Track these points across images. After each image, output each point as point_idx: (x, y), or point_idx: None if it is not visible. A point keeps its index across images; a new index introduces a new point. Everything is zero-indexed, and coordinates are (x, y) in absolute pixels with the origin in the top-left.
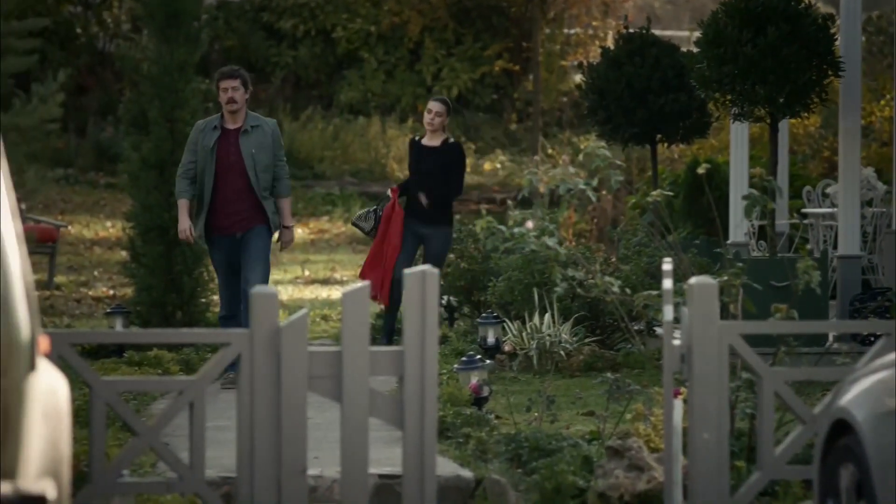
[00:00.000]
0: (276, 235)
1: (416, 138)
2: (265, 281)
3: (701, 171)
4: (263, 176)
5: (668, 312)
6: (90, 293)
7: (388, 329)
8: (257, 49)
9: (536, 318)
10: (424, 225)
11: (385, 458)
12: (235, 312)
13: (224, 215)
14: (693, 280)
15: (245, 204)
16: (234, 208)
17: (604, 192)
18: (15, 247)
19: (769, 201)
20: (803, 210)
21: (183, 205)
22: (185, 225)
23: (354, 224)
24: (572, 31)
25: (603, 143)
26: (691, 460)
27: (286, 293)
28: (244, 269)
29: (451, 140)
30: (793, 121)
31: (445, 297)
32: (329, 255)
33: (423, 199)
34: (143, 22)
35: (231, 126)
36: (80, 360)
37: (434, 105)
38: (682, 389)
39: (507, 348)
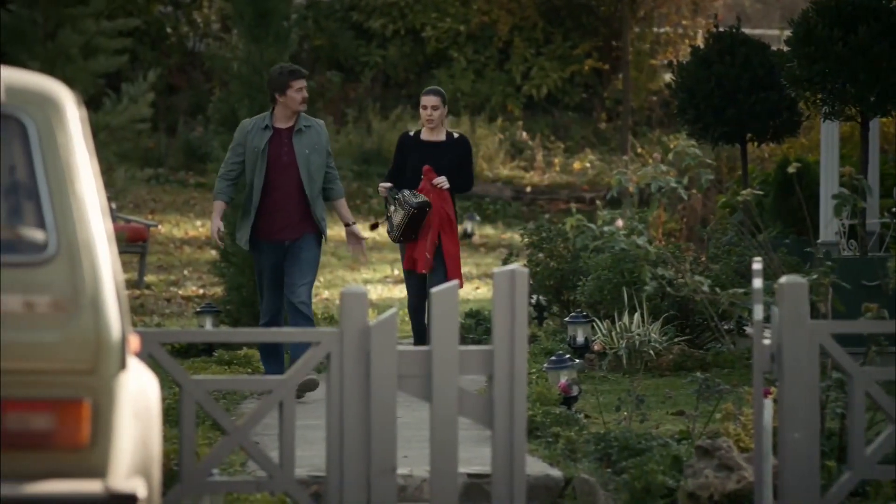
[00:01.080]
0: (354, 232)
1: (411, 133)
2: (310, 293)
3: (791, 170)
4: (317, 178)
5: (758, 312)
6: (180, 292)
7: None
8: (346, 48)
9: (626, 318)
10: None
11: (474, 457)
12: (279, 321)
13: (274, 220)
14: (783, 279)
15: (296, 208)
16: (284, 213)
17: (693, 191)
18: (105, 246)
19: (859, 200)
20: (894, 209)
21: (218, 207)
22: (217, 226)
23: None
24: (662, 30)
25: (693, 142)
26: (781, 460)
27: (375, 292)
28: (291, 279)
29: (457, 134)
30: (884, 119)
31: (534, 296)
32: None
33: (443, 182)
34: (233, 21)
35: (283, 125)
36: (170, 359)
37: (430, 99)
38: (772, 389)
39: (596, 347)
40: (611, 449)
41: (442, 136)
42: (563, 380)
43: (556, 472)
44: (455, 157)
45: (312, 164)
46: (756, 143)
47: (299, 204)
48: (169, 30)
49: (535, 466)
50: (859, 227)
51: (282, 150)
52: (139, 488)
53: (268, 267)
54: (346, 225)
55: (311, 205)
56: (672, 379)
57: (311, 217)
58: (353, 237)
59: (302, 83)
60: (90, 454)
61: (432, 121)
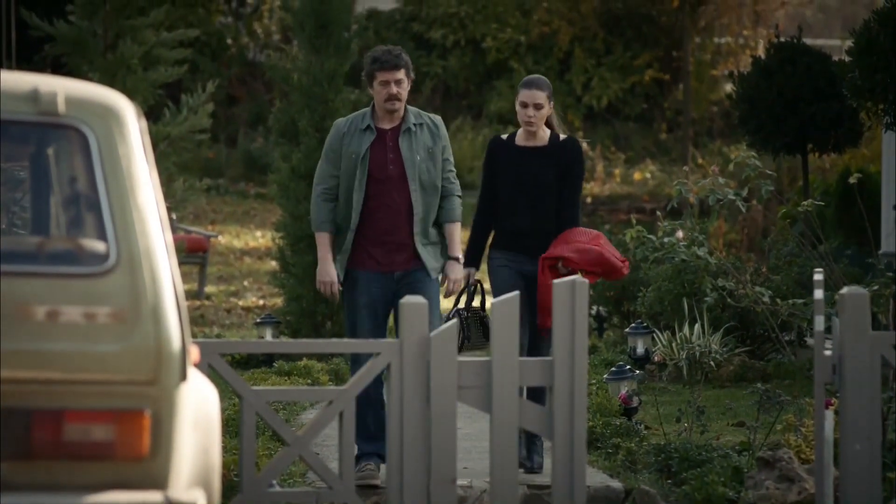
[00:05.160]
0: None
1: (504, 137)
2: None
3: (852, 180)
4: (431, 191)
5: (820, 323)
6: (240, 303)
7: None
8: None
9: (686, 329)
10: (534, 257)
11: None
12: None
13: (378, 245)
14: (844, 290)
15: (407, 230)
16: (392, 237)
17: (754, 202)
18: (166, 257)
19: None
20: None
21: (324, 241)
22: (329, 275)
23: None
24: (723, 41)
25: (753, 153)
26: (843, 471)
27: None
28: None
29: (563, 135)
30: None
31: (595, 308)
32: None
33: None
34: (293, 32)
35: (387, 125)
36: (230, 369)
37: (532, 94)
38: (834, 400)
39: (656, 359)
40: (671, 460)
41: (544, 140)
42: (624, 391)
43: (616, 484)
44: (558, 166)
45: (424, 173)
46: (817, 154)
47: (410, 226)
48: (229, 40)
49: (596, 478)
50: None
51: (386, 157)
52: (199, 499)
53: (369, 304)
54: (451, 258)
55: (425, 226)
56: (732, 390)
57: (428, 243)
58: (455, 271)
59: (389, 75)
60: (150, 465)
61: (532, 122)
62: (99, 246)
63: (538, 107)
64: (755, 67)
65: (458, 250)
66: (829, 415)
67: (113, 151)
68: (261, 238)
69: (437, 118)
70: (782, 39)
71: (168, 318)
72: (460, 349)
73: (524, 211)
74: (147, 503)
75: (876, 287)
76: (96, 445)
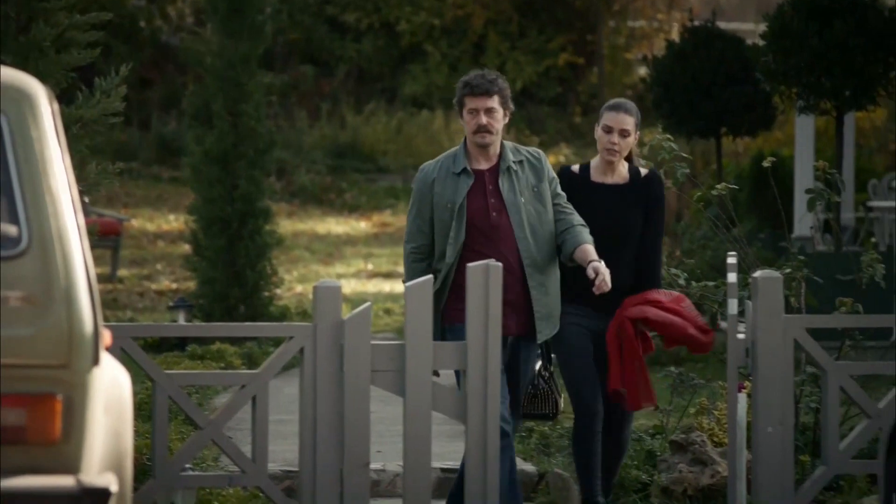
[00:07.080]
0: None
1: (575, 169)
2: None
3: (766, 164)
4: (543, 239)
5: (733, 306)
6: (153, 287)
7: None
8: (321, 42)
9: None
10: (608, 315)
11: (448, 452)
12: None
13: None
14: (758, 273)
15: (516, 288)
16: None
17: (669, 186)
18: (78, 240)
19: (833, 195)
20: (869, 203)
21: None
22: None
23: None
24: (637, 24)
25: (668, 136)
26: (755, 454)
27: (349, 287)
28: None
29: (645, 170)
30: (859, 114)
31: None
32: (392, 249)
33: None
34: (207, 15)
35: (483, 165)
36: (143, 353)
37: (620, 118)
38: (746, 383)
39: None
40: None
41: (624, 175)
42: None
43: (529, 467)
44: (640, 207)
45: (533, 216)
46: (731, 138)
47: (519, 283)
48: (142, 23)
49: None
50: (833, 221)
51: (486, 203)
52: (112, 483)
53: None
54: (591, 261)
55: (538, 279)
56: None
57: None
58: (601, 271)
59: (479, 102)
60: (62, 449)
61: (615, 153)
62: (10, 229)
63: (624, 133)
64: (669, 51)
65: (594, 254)
66: (742, 398)
67: (25, 134)
68: (174, 221)
69: (539, 151)
70: (696, 23)
71: (80, 302)
72: (552, 417)
73: (611, 254)
74: (59, 488)
75: (788, 270)
76: (7, 430)
